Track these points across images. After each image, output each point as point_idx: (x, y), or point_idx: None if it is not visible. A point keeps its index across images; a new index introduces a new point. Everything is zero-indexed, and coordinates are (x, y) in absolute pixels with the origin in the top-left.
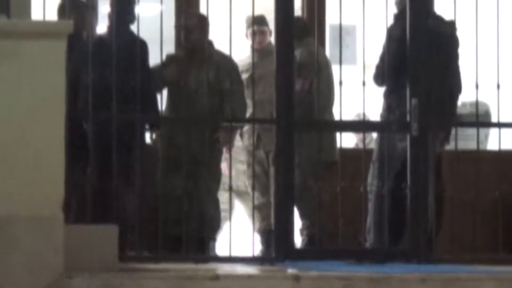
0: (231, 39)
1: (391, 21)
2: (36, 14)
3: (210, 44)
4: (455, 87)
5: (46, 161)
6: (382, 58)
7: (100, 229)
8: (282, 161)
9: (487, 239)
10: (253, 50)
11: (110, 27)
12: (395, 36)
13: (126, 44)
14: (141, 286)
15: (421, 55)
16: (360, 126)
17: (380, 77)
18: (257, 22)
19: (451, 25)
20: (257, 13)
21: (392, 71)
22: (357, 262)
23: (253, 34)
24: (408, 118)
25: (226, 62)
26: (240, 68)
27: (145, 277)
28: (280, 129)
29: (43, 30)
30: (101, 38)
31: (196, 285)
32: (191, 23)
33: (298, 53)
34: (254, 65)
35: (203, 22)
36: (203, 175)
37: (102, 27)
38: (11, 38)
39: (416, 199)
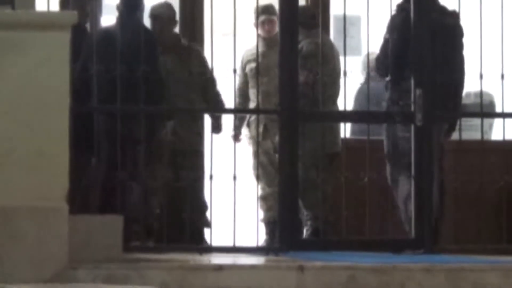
0: (235, 29)
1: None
2: (40, 6)
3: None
4: (459, 78)
5: (50, 153)
6: (382, 49)
7: (105, 220)
8: (286, 152)
9: (492, 230)
10: (258, 40)
11: (119, 18)
12: (397, 26)
13: (135, 35)
14: (145, 276)
15: (425, 45)
16: (364, 117)
17: (381, 69)
18: (265, 11)
19: (454, 15)
20: (262, 3)
21: (395, 61)
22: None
23: (262, 23)
24: (412, 108)
25: (194, 51)
26: (248, 58)
27: (149, 268)
28: (284, 120)
29: (47, 22)
30: (107, 30)
31: (199, 276)
32: (157, 12)
33: (305, 43)
34: (258, 55)
35: (170, 10)
36: (196, 164)
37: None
38: (15, 29)
39: (421, 189)
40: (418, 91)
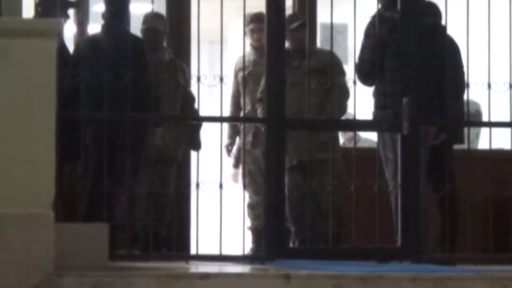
0: (222, 37)
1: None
2: (27, 13)
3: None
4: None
5: (36, 160)
6: (361, 58)
7: (91, 228)
8: (273, 160)
9: (479, 238)
10: (244, 49)
11: (104, 26)
12: (371, 32)
13: (122, 42)
14: (131, 284)
15: (411, 52)
16: (352, 125)
17: (363, 77)
18: (255, 19)
19: (434, 13)
20: (251, 11)
21: (371, 68)
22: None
23: (251, 32)
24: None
25: (179, 65)
26: (239, 66)
27: (135, 276)
28: (271, 128)
29: (34, 29)
30: (94, 38)
31: (186, 284)
32: (155, 24)
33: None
34: (244, 64)
35: (165, 21)
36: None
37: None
38: (1, 36)
39: (407, 197)
40: (404, 100)
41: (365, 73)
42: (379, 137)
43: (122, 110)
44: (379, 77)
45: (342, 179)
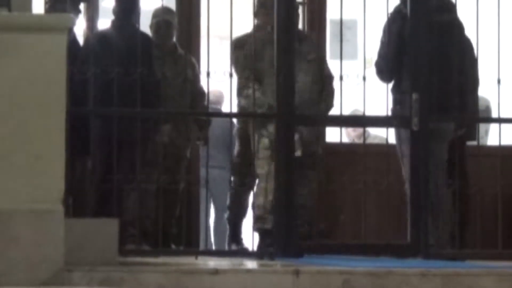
0: (232, 33)
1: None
2: (37, 9)
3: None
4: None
5: (46, 156)
6: (380, 54)
7: (100, 223)
8: (282, 155)
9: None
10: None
11: (114, 22)
12: (392, 29)
13: (130, 39)
14: (141, 280)
15: (421, 48)
16: (361, 121)
17: (381, 74)
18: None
19: (451, 10)
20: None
21: (392, 65)
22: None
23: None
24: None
25: (189, 61)
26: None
27: (145, 271)
28: (280, 123)
29: (44, 24)
30: (103, 33)
31: (195, 280)
32: (167, 18)
33: None
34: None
35: (175, 16)
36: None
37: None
38: (11, 32)
39: (417, 194)
40: (414, 96)
41: (383, 69)
42: (396, 133)
43: (128, 106)
44: (397, 74)
45: (320, 176)
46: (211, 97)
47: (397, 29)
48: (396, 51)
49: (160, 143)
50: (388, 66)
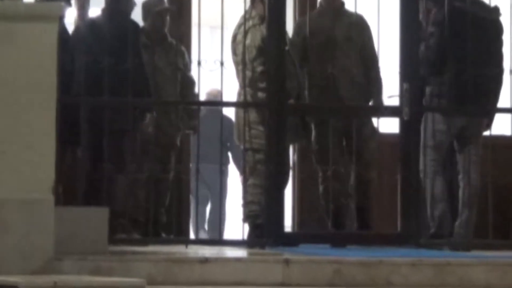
0: (223, 22)
1: (382, 13)
2: None
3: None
4: (497, 72)
5: (37, 145)
6: (431, 46)
7: (91, 212)
8: (273, 145)
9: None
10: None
11: (105, 10)
12: (439, 20)
13: (120, 26)
14: (131, 269)
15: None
16: (352, 110)
17: (433, 65)
18: None
19: (494, 11)
20: None
21: (438, 55)
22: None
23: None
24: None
25: (179, 50)
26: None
27: (135, 260)
28: (272, 113)
29: (35, 13)
30: (93, 21)
31: (185, 268)
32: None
33: None
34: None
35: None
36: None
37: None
38: (3, 20)
39: (408, 184)
40: (405, 85)
41: (431, 60)
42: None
43: (119, 94)
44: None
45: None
46: (210, 97)
47: (446, 22)
48: (442, 42)
49: (146, 133)
50: (433, 58)
